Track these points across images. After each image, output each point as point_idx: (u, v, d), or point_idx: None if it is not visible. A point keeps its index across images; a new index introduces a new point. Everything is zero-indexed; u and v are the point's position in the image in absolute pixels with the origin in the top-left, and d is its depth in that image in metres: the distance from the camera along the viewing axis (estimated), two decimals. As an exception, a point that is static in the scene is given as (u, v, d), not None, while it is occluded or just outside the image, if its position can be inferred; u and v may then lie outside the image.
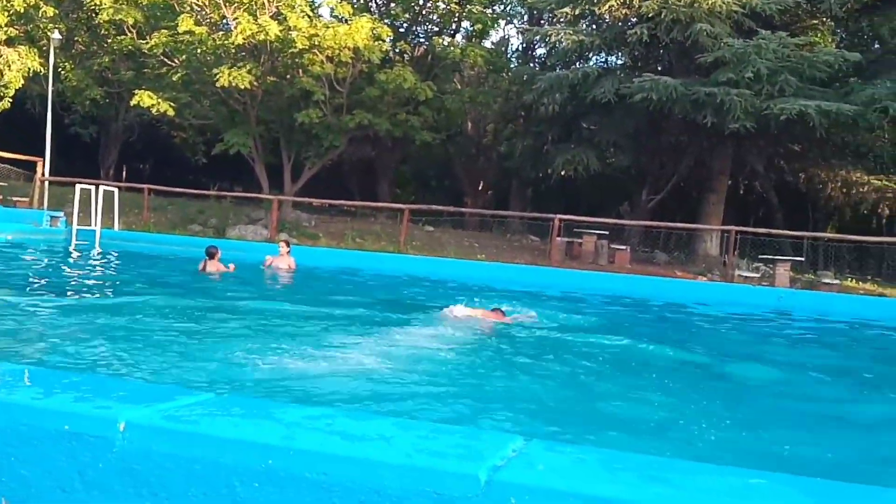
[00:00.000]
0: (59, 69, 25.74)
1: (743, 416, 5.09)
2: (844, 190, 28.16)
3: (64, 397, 2.02)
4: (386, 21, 24.33)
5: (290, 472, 1.70)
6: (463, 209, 26.31)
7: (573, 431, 4.24)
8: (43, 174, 22.74)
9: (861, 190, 27.83)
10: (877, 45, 24.99)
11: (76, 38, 27.55)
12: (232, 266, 12.48)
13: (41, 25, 24.58)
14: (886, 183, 27.47)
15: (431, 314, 8.56)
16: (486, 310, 8.74)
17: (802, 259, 21.75)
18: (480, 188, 31.71)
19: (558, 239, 19.61)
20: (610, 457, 1.81)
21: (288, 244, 14.25)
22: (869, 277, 22.08)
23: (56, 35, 22.84)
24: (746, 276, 18.40)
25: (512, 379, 5.67)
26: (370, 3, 27.97)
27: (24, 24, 24.84)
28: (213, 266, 12.35)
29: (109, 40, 25.71)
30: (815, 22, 24.01)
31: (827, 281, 18.47)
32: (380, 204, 26.28)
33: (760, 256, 20.14)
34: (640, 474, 1.70)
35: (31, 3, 22.95)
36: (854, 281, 21.13)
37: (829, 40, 24.36)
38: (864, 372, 7.69)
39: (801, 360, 8.20)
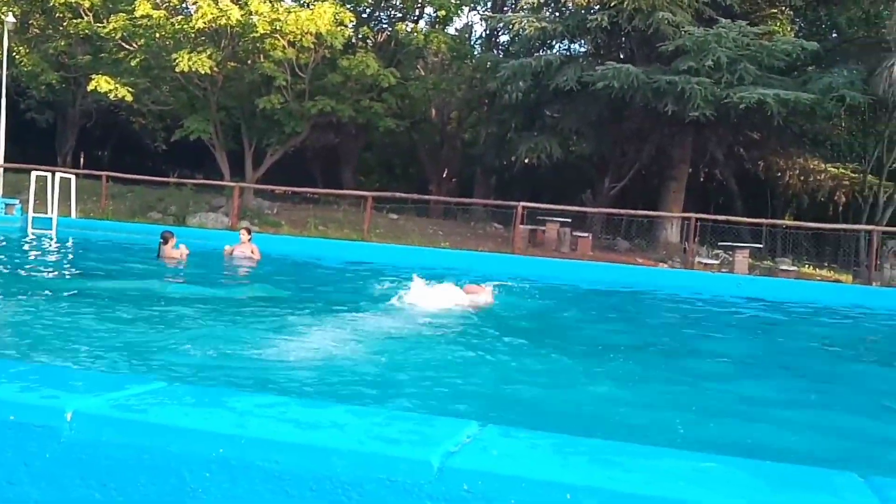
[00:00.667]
0: (14, 53, 25.14)
1: (697, 401, 5.16)
2: (802, 178, 28.62)
3: (10, 387, 1.97)
4: (349, 6, 24.08)
5: (241, 460, 1.68)
6: (427, 197, 26.27)
7: (530, 418, 4.26)
8: (-3, 161, 22.27)
9: (818, 178, 28.31)
10: (834, 35, 25.42)
11: (31, 22, 26.89)
12: (184, 248, 12.23)
13: (-6, 8, 23.97)
14: (843, 171, 27.98)
15: (391, 298, 8.52)
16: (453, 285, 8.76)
17: (761, 246, 22.11)
18: (444, 176, 31.68)
19: (521, 226, 19.68)
20: (563, 441, 1.82)
21: (249, 231, 13.87)
22: (825, 264, 22.50)
23: (10, 18, 22.30)
24: (706, 263, 18.65)
25: (470, 365, 5.68)
26: (333, -11, 27.73)
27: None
28: (169, 251, 12.20)
29: (65, 23, 25.13)
30: (775, 11, 24.33)
31: (785, 267, 18.78)
32: (343, 191, 26.12)
33: (720, 243, 20.42)
34: (592, 458, 1.71)
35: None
36: (811, 267, 21.53)
37: (788, 29, 24.71)
38: (821, 357, 7.84)
39: (757, 346, 8.34)
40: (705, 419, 4.58)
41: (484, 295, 8.98)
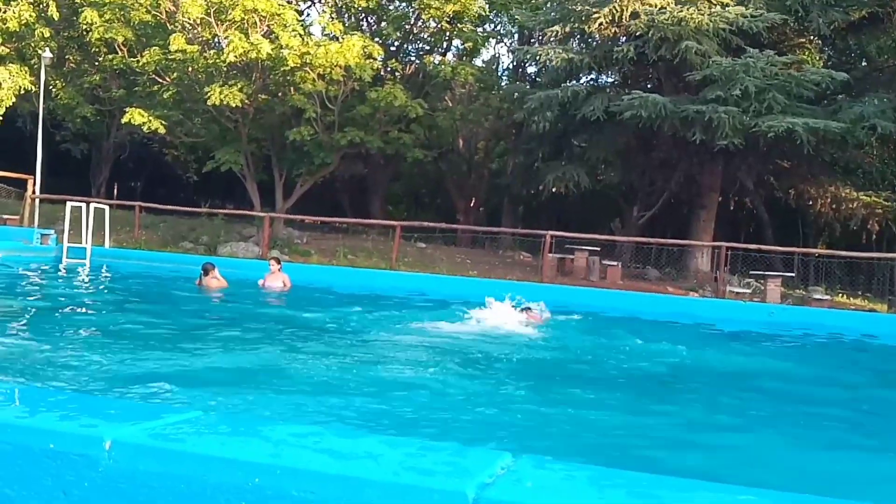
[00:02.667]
0: (51, 87, 25.72)
1: (736, 430, 5.08)
2: (834, 206, 28.27)
3: (49, 416, 2.00)
4: (377, 40, 24.39)
5: (277, 490, 1.69)
6: (455, 226, 26.32)
7: (564, 449, 4.23)
8: (34, 192, 22.68)
9: (850, 206, 27.94)
10: (864, 63, 25.24)
11: (67, 57, 27.54)
12: (221, 279, 12.50)
13: (32, 44, 24.56)
14: (875, 199, 27.61)
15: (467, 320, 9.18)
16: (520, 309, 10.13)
17: (793, 275, 21.81)
18: (472, 205, 31.75)
19: (550, 255, 19.63)
20: (599, 474, 1.81)
21: (279, 261, 13.71)
22: (859, 293, 22.15)
23: (47, 53, 22.83)
24: (738, 292, 18.44)
25: (499, 394, 5.65)
26: (361, 22, 28.08)
27: (16, 43, 24.83)
28: (209, 282, 12.40)
29: (100, 58, 25.70)
30: (803, 40, 24.22)
31: (818, 296, 18.53)
32: (372, 221, 26.26)
33: (751, 272, 20.18)
34: (629, 491, 1.69)
35: (25, 23, 22.96)
36: (845, 296, 21.20)
37: (817, 58, 24.57)
38: (857, 387, 7.70)
39: (792, 375, 8.21)
40: (747, 450, 4.51)
41: (540, 314, 10.39)
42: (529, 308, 10.43)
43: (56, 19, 23.35)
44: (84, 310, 9.66)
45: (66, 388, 4.69)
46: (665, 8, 19.94)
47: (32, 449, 1.86)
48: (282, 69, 21.51)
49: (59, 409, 2.08)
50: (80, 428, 1.90)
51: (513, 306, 10.16)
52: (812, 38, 23.62)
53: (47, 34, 23.78)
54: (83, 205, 18.15)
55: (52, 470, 1.83)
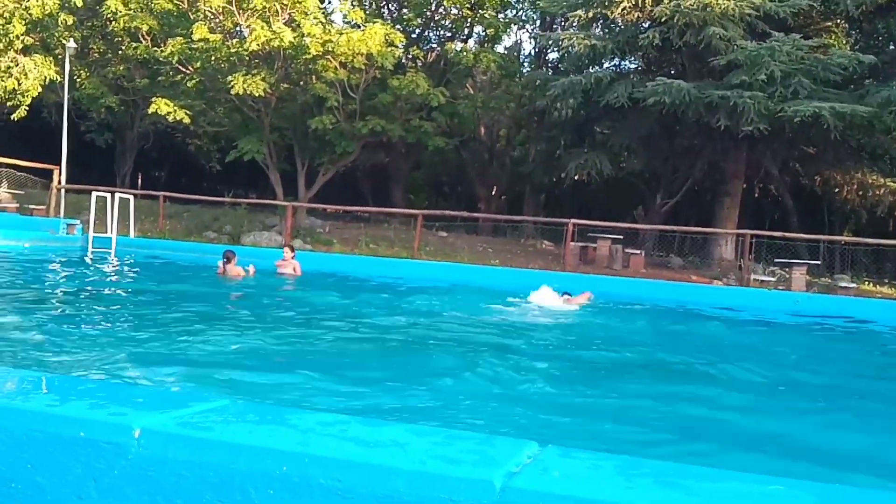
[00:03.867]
0: (75, 77, 25.94)
1: (762, 419, 5.05)
2: (860, 192, 27.95)
3: (79, 404, 2.02)
4: (399, 27, 24.35)
5: (304, 478, 1.70)
6: (476, 214, 26.30)
7: (591, 437, 4.22)
8: (59, 182, 22.92)
9: (877, 193, 27.62)
10: (892, 47, 24.82)
11: (91, 47, 27.76)
12: (252, 268, 12.68)
13: (57, 34, 24.77)
14: (903, 185, 27.27)
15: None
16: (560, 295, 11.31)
17: (819, 263, 21.59)
18: (493, 193, 31.70)
19: (572, 243, 19.56)
20: (626, 463, 1.80)
21: (293, 249, 14.56)
22: (886, 281, 21.90)
23: (71, 43, 23.02)
24: (763, 280, 18.30)
25: (527, 383, 5.65)
26: (382, 9, 28.05)
27: (40, 33, 25.05)
28: (230, 270, 12.58)
29: (124, 48, 25.89)
30: (829, 24, 23.87)
31: (844, 284, 18.34)
32: (393, 210, 26.31)
33: (776, 260, 20.00)
34: (657, 480, 1.68)
35: (48, 12, 23.14)
36: (871, 284, 20.97)
37: (844, 42, 24.21)
38: (886, 377, 7.62)
39: (820, 364, 8.14)
40: (777, 442, 4.48)
41: (581, 299, 11.60)
42: (570, 294, 11.63)
43: (80, 6, 23.48)
44: (110, 299, 9.76)
45: (95, 377, 4.74)
46: (689, -7, 19.72)
47: (63, 437, 1.88)
48: (304, 57, 21.54)
49: (89, 397, 2.10)
50: (109, 416, 1.92)
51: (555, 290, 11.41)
52: (839, 21, 23.28)
53: (70, 21, 23.93)
54: (108, 195, 18.32)
55: (83, 458, 1.85)
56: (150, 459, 1.81)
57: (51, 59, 24.61)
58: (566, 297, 11.47)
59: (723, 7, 19.37)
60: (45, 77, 23.85)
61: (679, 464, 1.81)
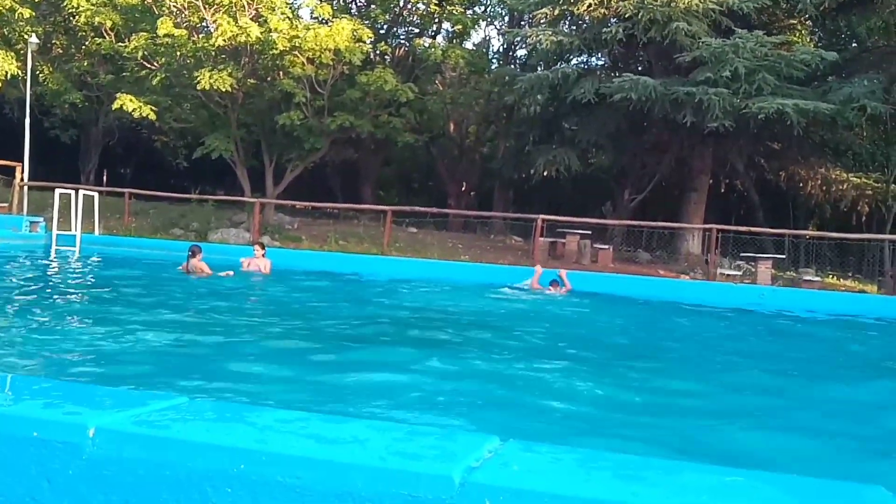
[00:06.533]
0: (38, 73, 25.49)
1: (724, 413, 5.10)
2: (824, 188, 28.37)
3: (33, 403, 1.98)
4: (366, 23, 24.23)
5: (262, 476, 1.68)
6: (446, 210, 26.29)
7: (552, 431, 4.23)
8: (22, 179, 22.53)
9: (840, 188, 28.05)
10: (854, 44, 25.23)
11: (54, 42, 27.29)
12: (231, 273, 12.64)
13: (17, 28, 24.33)
14: (865, 180, 27.72)
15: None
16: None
17: (784, 257, 21.89)
18: (463, 189, 31.70)
19: (541, 239, 19.63)
20: (587, 456, 1.81)
21: (263, 246, 14.37)
22: (850, 274, 22.25)
23: (33, 38, 22.61)
24: (728, 275, 18.50)
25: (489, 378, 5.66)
26: (350, 5, 27.91)
27: (1, 28, 24.59)
28: (195, 265, 12.44)
29: (88, 43, 25.47)
30: (793, 21, 24.20)
31: (808, 278, 18.59)
32: (363, 206, 26.20)
33: (742, 255, 20.24)
34: (616, 473, 1.69)
35: (7, 6, 22.71)
36: (835, 278, 21.29)
37: (807, 40, 24.56)
38: (848, 367, 7.74)
39: (782, 357, 8.25)
40: (733, 433, 4.53)
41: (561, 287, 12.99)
42: (556, 281, 13.04)
43: (38, 1, 23.05)
44: (72, 297, 9.62)
45: (52, 377, 4.66)
46: (654, -11, 19.86)
47: (16, 437, 1.84)
48: (271, 53, 21.37)
49: (44, 396, 2.06)
50: (63, 416, 1.88)
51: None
52: (802, 18, 23.59)
53: (27, 15, 23.49)
54: (72, 192, 18.05)
55: (36, 457, 1.82)
56: (106, 459, 1.78)
57: (12, 54, 24.16)
58: (554, 284, 13.05)
59: (687, 2, 19.54)
60: (7, 72, 23.41)
61: (639, 457, 1.82)
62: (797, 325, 11.49)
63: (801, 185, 28.51)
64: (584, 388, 5.46)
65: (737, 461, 2.90)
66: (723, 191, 30.47)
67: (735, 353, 8.16)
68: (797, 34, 24.29)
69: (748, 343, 9.28)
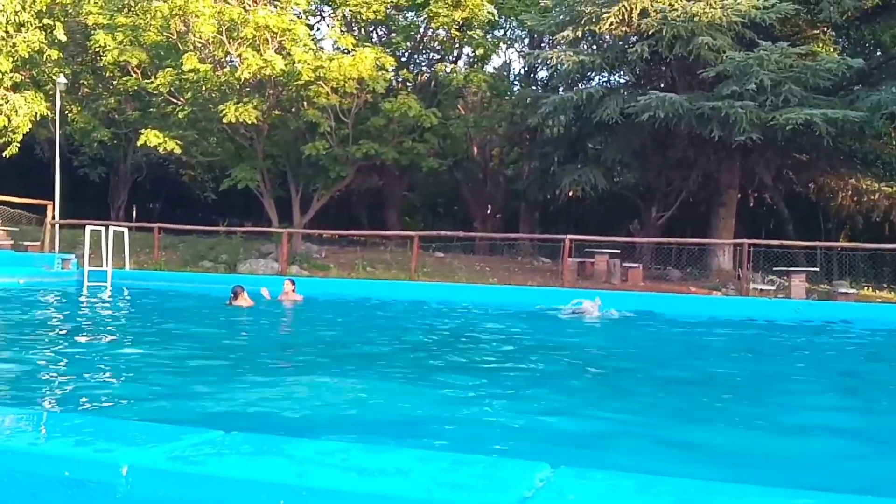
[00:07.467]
0: (66, 112, 25.93)
1: (779, 432, 4.94)
2: (855, 198, 27.91)
3: (64, 441, 1.92)
4: (388, 50, 24.38)
5: (303, 512, 1.60)
6: (472, 234, 26.22)
7: (604, 455, 4.11)
8: (53, 217, 22.83)
9: (872, 198, 27.57)
10: (879, 53, 24.93)
11: (81, 81, 27.77)
12: (265, 291, 12.75)
13: (46, 70, 24.78)
14: (897, 189, 27.26)
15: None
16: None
17: (817, 269, 21.51)
18: (489, 212, 31.64)
19: (570, 259, 19.48)
20: (646, 482, 1.70)
21: (293, 283, 14.29)
22: (885, 285, 21.82)
23: (61, 79, 23.02)
24: (762, 290, 18.21)
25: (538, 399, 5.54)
26: (371, 35, 28.11)
27: (30, 69, 25.06)
28: (239, 302, 12.42)
29: (115, 82, 25.91)
30: (816, 31, 23.96)
31: (843, 290, 18.25)
32: (389, 232, 26.22)
33: (774, 269, 19.93)
34: (679, 499, 1.59)
35: (36, 49, 23.14)
36: (871, 289, 20.89)
37: (831, 49, 24.30)
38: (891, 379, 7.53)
39: (824, 370, 8.05)
40: (791, 452, 4.38)
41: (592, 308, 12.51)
42: (581, 303, 12.73)
43: (64, 41, 23.47)
44: (104, 334, 9.64)
45: (84, 412, 4.62)
46: (675, 5, 19.77)
47: (47, 477, 1.78)
48: (295, 84, 21.55)
49: (75, 433, 2.00)
50: (95, 453, 1.82)
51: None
52: (825, 28, 23.36)
53: (55, 56, 23.92)
54: (102, 228, 18.23)
55: (68, 499, 1.75)
56: (139, 497, 1.71)
57: (41, 95, 24.60)
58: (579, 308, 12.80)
59: (710, 16, 19.42)
60: (36, 113, 23.81)
61: (701, 480, 1.72)
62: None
63: (830, 196, 28.08)
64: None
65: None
66: (751, 205, 30.14)
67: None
68: (821, 44, 24.04)
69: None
